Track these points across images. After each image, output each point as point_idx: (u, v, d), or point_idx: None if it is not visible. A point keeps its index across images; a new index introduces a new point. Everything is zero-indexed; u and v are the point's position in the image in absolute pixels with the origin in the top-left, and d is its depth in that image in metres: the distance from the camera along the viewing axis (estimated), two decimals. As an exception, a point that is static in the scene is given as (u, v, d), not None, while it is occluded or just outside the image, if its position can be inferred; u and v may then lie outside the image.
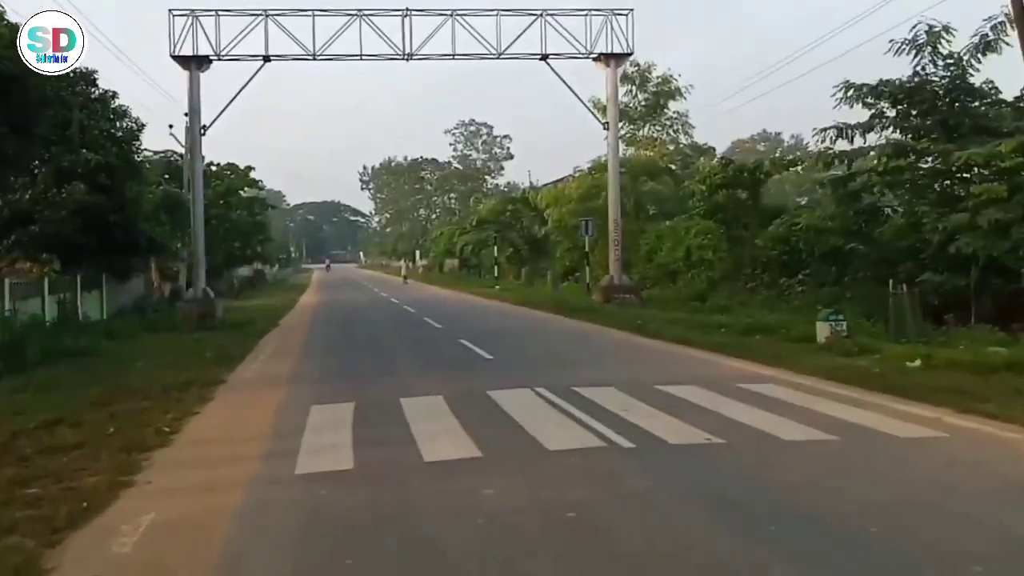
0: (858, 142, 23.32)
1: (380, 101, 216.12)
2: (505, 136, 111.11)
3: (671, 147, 40.96)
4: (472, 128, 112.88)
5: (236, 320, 25.31)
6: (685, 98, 39.92)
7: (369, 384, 12.54)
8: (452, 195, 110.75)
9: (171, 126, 38.71)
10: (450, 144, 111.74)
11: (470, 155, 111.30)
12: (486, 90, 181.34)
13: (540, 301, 30.76)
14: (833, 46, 64.72)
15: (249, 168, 46.53)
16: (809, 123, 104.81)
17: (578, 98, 30.03)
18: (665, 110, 40.95)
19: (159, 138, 45.30)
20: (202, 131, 26.32)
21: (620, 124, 42.20)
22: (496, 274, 47.17)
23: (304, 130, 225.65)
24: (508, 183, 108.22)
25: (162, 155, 44.13)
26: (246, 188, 46.63)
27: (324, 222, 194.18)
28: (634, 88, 40.41)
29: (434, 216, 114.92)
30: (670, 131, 41.49)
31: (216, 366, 14.92)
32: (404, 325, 24.18)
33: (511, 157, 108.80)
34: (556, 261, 45.08)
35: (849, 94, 23.15)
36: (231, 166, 46.37)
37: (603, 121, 30.73)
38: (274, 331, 23.03)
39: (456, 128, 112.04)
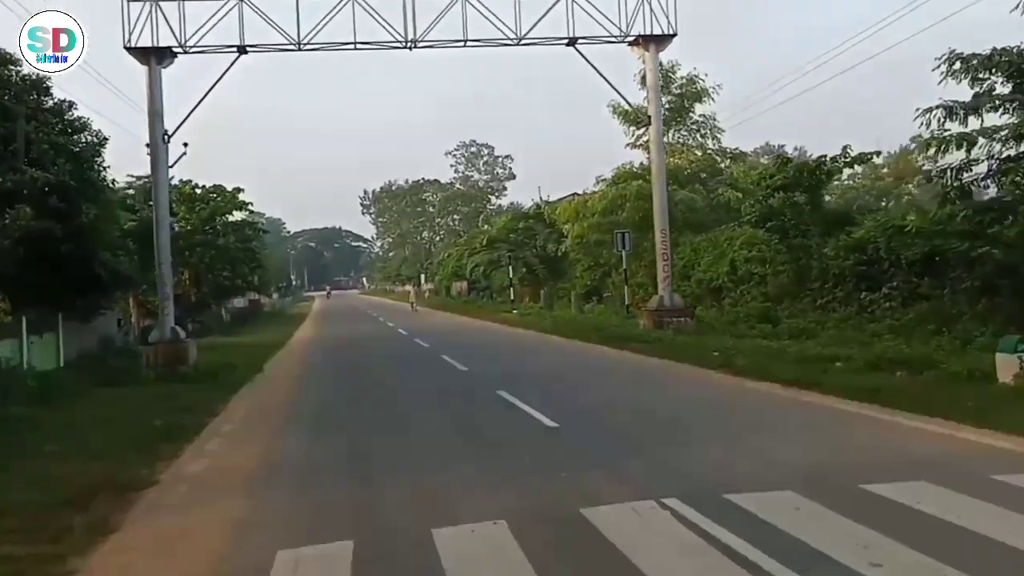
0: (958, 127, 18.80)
1: (381, 124, 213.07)
2: (507, 156, 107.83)
3: (699, 152, 36.38)
4: (473, 149, 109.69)
5: (213, 365, 20.63)
6: (713, 99, 35.55)
7: (378, 490, 7.85)
8: (455, 216, 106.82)
9: (148, 144, 34.44)
10: (451, 165, 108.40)
11: (472, 176, 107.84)
12: (490, 110, 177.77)
13: (575, 328, 26.09)
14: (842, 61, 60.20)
15: (238, 189, 42.02)
16: (810, 137, 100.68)
17: (613, 88, 25.78)
18: (690, 113, 36.58)
19: (142, 162, 41.17)
20: (166, 138, 21.81)
21: (641, 130, 37.79)
22: (512, 297, 42.44)
23: (304, 156, 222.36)
24: (511, 203, 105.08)
25: (146, 179, 39.82)
26: (235, 212, 42.11)
27: (325, 248, 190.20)
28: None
29: (438, 238, 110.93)
30: (697, 136, 36.98)
31: (158, 446, 10.26)
32: (420, 368, 19.45)
33: (513, 177, 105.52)
34: (576, 281, 40.54)
35: (955, 67, 18.58)
36: (218, 188, 41.88)
37: (644, 115, 26.34)
38: (255, 381, 18.34)
39: (457, 149, 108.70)
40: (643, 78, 35.59)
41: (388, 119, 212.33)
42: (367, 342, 28.24)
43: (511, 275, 42.64)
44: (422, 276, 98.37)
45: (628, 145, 37.70)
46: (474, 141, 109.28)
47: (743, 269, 27.88)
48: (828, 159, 28.30)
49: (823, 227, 27.16)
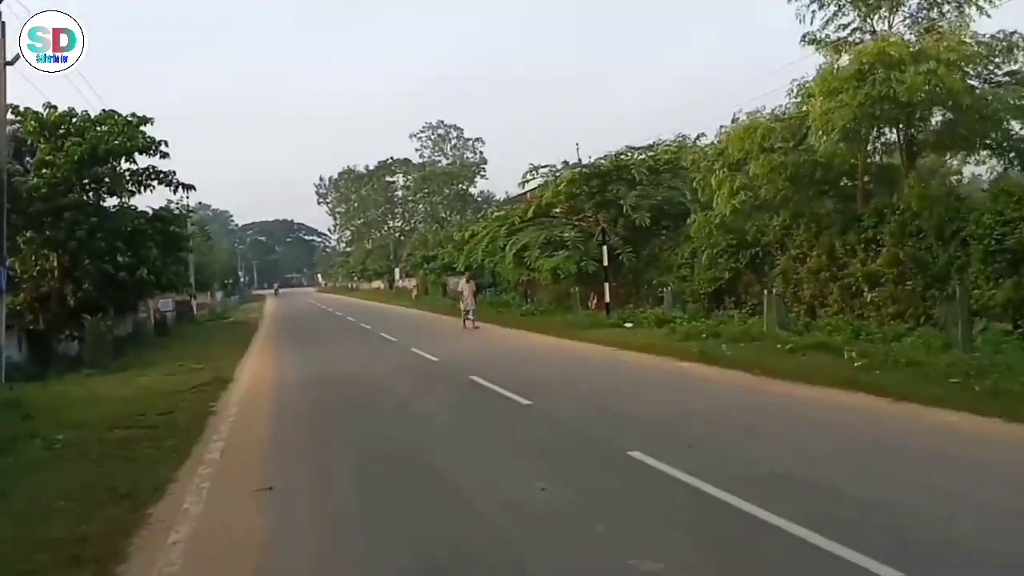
0: None
1: (341, 110, 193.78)
2: (477, 139, 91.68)
3: (967, 38, 19.40)
4: (441, 131, 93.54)
5: None
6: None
7: None
8: (420, 202, 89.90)
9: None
10: (416, 149, 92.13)
11: (439, 161, 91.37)
12: (458, 95, 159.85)
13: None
14: None
15: (143, 120, 23.92)
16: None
17: None
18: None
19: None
20: None
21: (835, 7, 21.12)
22: (594, 298, 24.96)
23: (253, 145, 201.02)
24: (481, 192, 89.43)
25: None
26: (137, 155, 23.95)
27: (277, 243, 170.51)
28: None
29: (408, 227, 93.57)
30: (933, 14, 20.23)
31: None
32: None
33: (485, 162, 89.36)
34: (699, 273, 23.68)
35: None
36: (109, 115, 23.77)
37: None
38: None
39: (423, 131, 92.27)
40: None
41: (349, 105, 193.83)
42: (453, 442, 10.21)
43: (605, 260, 25.03)
44: (397, 270, 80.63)
45: (806, 39, 20.97)
46: (441, 122, 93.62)
47: None
48: None
49: None
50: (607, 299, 24.20)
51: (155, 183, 23.99)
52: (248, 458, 8.67)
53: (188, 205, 30.56)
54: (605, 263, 24.86)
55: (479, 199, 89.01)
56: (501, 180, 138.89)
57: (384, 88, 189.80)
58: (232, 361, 19.49)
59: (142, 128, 23.90)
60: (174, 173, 24.13)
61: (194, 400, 13.17)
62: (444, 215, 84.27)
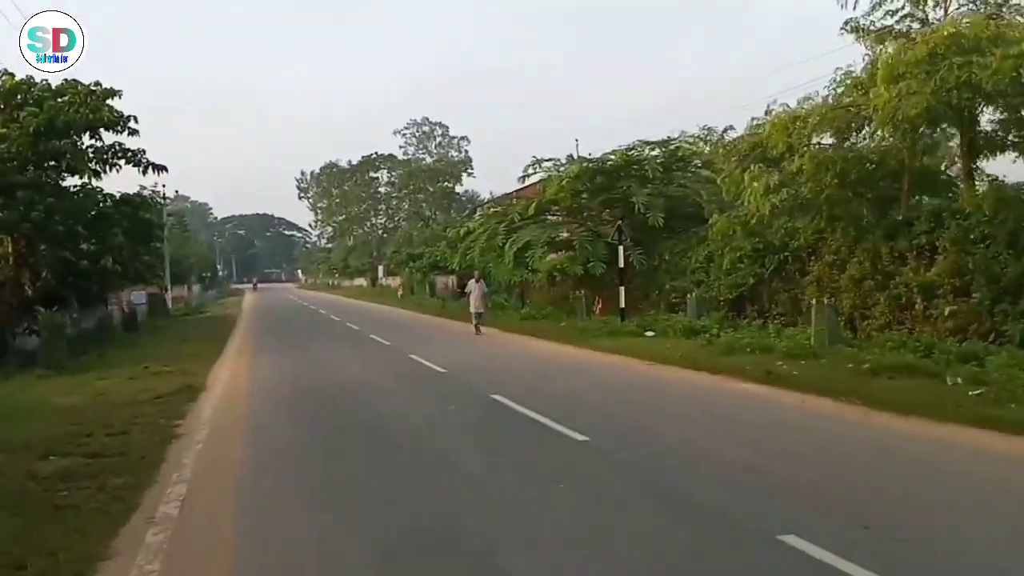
0: None
1: (325, 107, 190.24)
2: (463, 137, 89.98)
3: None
4: (425, 128, 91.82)
5: None
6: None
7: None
8: (405, 199, 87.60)
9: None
10: (400, 147, 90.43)
11: (423, 159, 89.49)
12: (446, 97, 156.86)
13: None
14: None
15: (110, 92, 21.20)
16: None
17: None
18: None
19: None
20: None
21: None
22: (622, 303, 22.25)
23: (233, 137, 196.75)
24: (466, 191, 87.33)
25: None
26: (103, 130, 21.24)
27: (256, 237, 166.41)
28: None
29: (392, 224, 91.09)
30: None
31: None
32: None
33: (470, 160, 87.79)
34: (718, 278, 21.47)
35: None
36: (71, 84, 21.02)
37: None
38: None
39: (407, 128, 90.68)
40: None
41: (333, 101, 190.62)
42: None
43: (621, 261, 22.57)
44: (380, 268, 77.81)
45: (848, 26, 18.92)
46: (426, 119, 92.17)
47: None
48: None
49: None
50: (622, 304, 21.84)
51: (122, 162, 21.22)
52: (216, 520, 6.13)
53: (164, 193, 27.94)
54: (621, 264, 22.47)
55: (463, 198, 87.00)
56: (486, 179, 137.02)
57: (369, 85, 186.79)
58: (205, 364, 16.86)
59: (108, 101, 21.19)
60: (143, 152, 21.40)
61: (156, 415, 10.63)
62: (429, 213, 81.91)
